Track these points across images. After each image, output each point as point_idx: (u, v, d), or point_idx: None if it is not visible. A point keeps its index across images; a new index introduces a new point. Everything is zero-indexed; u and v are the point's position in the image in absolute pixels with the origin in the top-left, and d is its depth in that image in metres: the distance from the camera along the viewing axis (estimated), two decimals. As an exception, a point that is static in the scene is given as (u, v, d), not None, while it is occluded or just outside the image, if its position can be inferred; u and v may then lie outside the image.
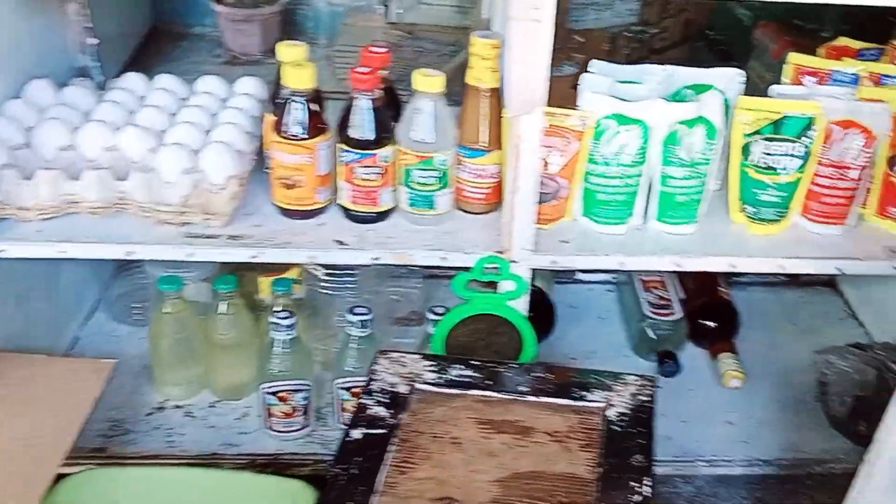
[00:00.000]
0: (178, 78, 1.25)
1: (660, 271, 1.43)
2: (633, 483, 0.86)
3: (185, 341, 1.24)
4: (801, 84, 1.17)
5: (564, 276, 1.53)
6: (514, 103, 0.97)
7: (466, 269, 1.07)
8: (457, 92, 1.10)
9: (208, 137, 1.10)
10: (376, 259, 1.06)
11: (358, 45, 1.83)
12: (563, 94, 1.08)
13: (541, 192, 1.06)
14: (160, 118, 1.14)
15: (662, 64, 1.15)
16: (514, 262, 1.06)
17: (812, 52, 1.24)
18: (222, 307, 1.20)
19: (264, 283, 1.30)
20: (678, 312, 1.37)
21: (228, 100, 1.21)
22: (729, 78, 1.14)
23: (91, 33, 1.28)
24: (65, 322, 1.36)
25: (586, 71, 1.13)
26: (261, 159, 1.15)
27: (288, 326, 1.14)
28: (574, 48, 1.46)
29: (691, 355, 1.38)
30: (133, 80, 1.24)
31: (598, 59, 1.16)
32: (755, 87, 1.17)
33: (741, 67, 1.17)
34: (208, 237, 1.05)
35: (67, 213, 1.06)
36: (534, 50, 0.94)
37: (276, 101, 1.08)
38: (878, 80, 1.16)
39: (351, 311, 1.15)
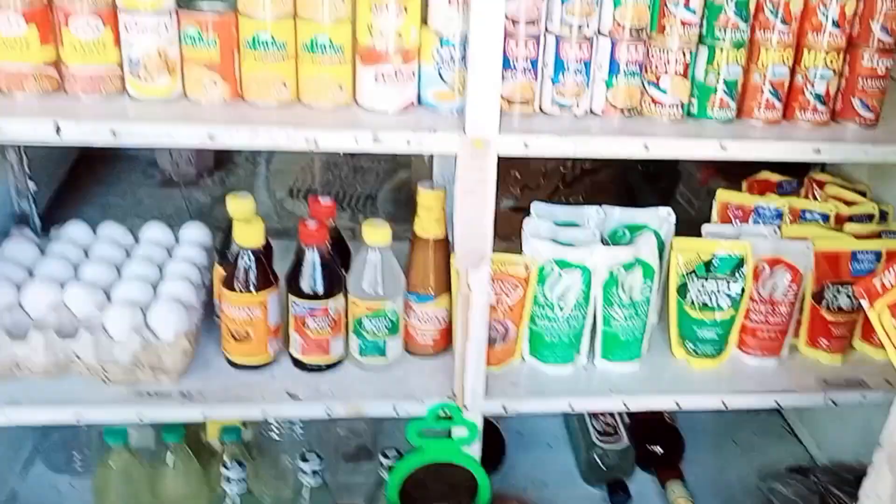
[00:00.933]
0: (122, 227, 1.25)
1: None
2: None
3: (133, 495, 1.20)
4: (729, 221, 1.23)
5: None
6: (463, 256, 1.00)
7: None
8: (397, 216, 1.12)
9: (157, 292, 1.10)
10: (329, 412, 1.05)
11: (294, 164, 1.86)
12: (505, 227, 1.11)
13: (489, 335, 1.09)
14: (106, 272, 1.13)
15: (596, 195, 1.20)
16: (465, 407, 1.08)
17: (734, 177, 1.30)
18: (170, 459, 1.18)
19: (212, 426, 1.28)
20: (625, 439, 1.39)
21: (174, 249, 1.21)
22: (661, 217, 1.19)
23: (30, 177, 1.28)
24: (0, 474, 1.30)
25: (524, 206, 1.16)
26: (210, 306, 1.15)
27: (239, 480, 1.12)
28: (511, 181, 1.51)
29: (640, 481, 1.40)
30: (76, 229, 1.23)
31: (534, 187, 1.20)
32: (685, 212, 1.21)
33: (671, 192, 1.21)
34: (159, 395, 1.04)
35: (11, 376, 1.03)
36: (481, 205, 0.97)
37: (226, 255, 1.09)
38: (799, 215, 1.23)
39: (302, 459, 1.14)
